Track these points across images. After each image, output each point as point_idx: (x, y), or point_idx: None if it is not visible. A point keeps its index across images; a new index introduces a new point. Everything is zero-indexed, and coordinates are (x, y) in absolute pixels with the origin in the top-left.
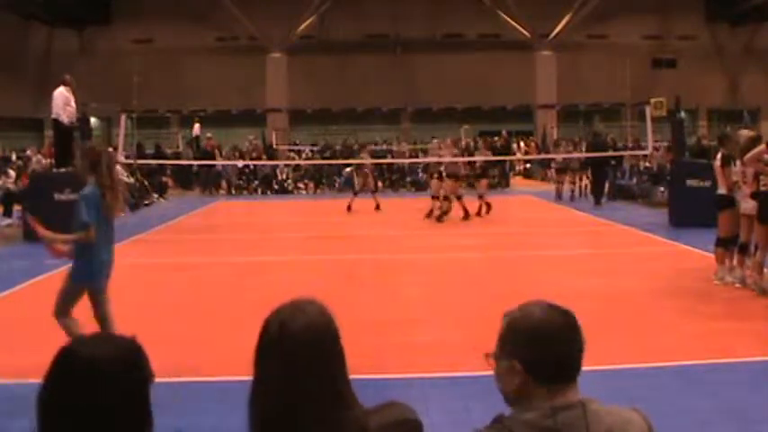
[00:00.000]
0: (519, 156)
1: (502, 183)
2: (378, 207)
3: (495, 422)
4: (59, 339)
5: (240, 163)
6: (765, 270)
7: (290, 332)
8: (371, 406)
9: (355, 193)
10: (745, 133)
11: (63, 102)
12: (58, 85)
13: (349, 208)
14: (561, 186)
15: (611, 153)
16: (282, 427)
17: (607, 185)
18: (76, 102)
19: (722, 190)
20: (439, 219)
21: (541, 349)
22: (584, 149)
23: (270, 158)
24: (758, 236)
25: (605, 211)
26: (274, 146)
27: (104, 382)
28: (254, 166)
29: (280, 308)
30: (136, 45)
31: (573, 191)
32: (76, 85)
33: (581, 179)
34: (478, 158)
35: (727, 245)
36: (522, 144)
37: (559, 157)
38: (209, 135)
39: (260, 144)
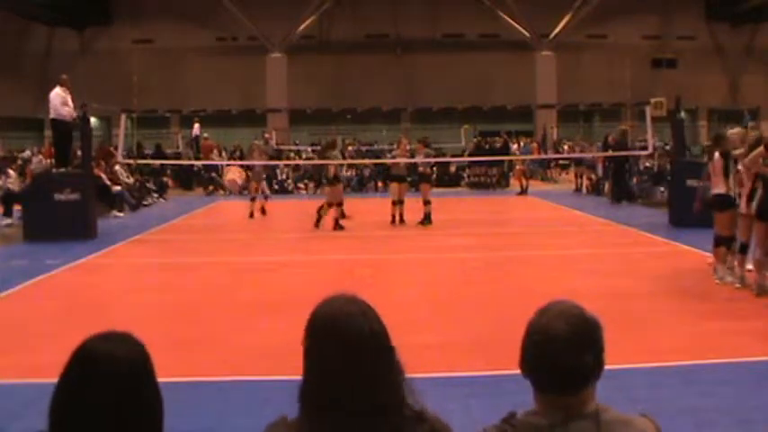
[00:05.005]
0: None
1: (501, 183)
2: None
3: (505, 421)
4: (59, 339)
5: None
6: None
7: (356, 325)
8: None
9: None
10: (736, 132)
11: (60, 102)
12: (54, 86)
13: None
14: (579, 181)
15: (636, 153)
16: (336, 413)
17: (608, 184)
18: (74, 101)
19: (721, 189)
20: (317, 224)
21: (527, 353)
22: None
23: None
24: (757, 235)
25: (605, 210)
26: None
27: (124, 379)
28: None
29: (334, 302)
30: (136, 45)
31: (587, 186)
32: (77, 85)
33: (589, 178)
34: (420, 160)
35: (727, 244)
36: (521, 144)
37: (576, 156)
38: (205, 135)
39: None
